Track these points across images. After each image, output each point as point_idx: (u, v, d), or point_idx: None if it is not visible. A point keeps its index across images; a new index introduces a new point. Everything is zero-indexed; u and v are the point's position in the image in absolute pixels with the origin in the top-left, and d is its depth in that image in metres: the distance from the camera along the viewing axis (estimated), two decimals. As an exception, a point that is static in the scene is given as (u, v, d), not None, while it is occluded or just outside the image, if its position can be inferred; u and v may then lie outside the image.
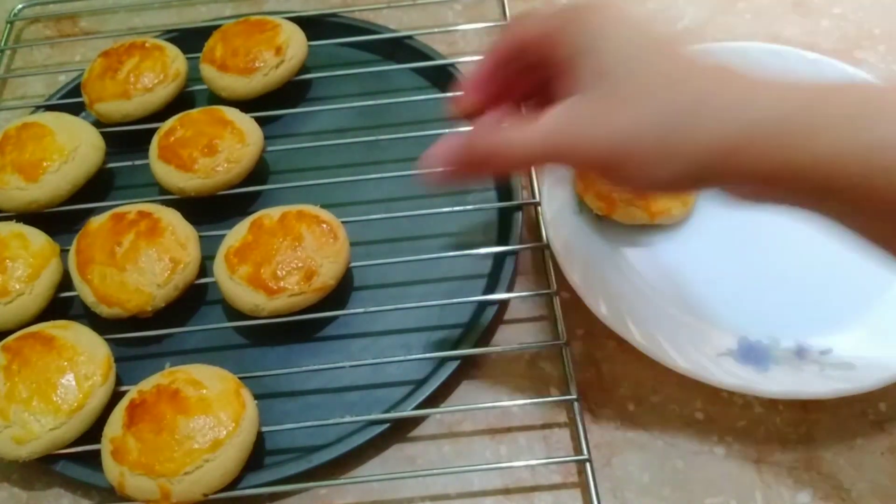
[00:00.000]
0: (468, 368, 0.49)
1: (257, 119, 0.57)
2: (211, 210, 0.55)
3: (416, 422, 0.47)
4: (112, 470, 0.42)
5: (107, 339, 0.48)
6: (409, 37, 0.64)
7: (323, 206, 0.55)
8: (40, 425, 0.43)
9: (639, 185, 0.34)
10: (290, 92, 0.61)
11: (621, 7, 0.34)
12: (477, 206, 0.54)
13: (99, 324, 0.49)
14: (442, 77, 0.62)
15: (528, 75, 0.38)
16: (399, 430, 0.47)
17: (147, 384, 0.44)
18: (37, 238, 0.52)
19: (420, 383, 0.47)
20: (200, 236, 0.52)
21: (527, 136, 0.34)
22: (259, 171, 0.57)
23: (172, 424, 0.42)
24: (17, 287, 0.49)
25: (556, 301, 0.49)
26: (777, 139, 0.30)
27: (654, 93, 0.32)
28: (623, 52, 0.33)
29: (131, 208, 0.52)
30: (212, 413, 0.42)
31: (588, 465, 0.43)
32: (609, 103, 0.32)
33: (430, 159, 0.38)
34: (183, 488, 0.41)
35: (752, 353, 0.47)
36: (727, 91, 0.31)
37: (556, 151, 0.34)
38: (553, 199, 0.53)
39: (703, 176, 0.32)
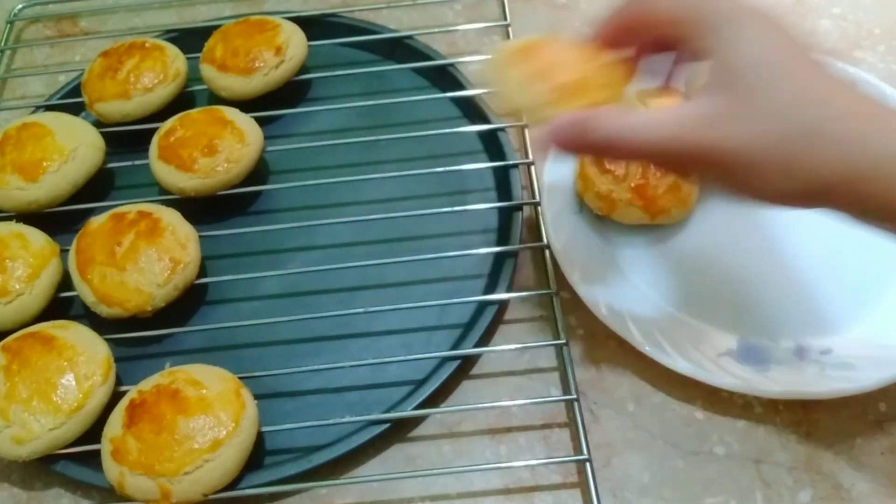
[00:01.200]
0: (468, 368, 0.49)
1: (257, 119, 0.57)
2: (211, 210, 0.55)
3: (416, 422, 0.47)
4: (112, 470, 0.42)
5: (107, 339, 0.48)
6: (409, 37, 0.64)
7: (323, 207, 0.55)
8: (40, 425, 0.43)
9: (755, 196, 0.34)
10: (290, 92, 0.61)
11: (754, 2, 0.34)
12: (477, 206, 0.54)
13: (99, 324, 0.49)
14: (442, 77, 0.62)
15: (646, 40, 0.39)
16: (399, 430, 0.47)
17: (147, 384, 0.44)
18: (37, 238, 0.52)
19: (420, 383, 0.47)
20: (200, 236, 0.52)
21: (652, 130, 0.34)
22: (259, 171, 0.57)
23: (172, 424, 0.42)
24: (17, 287, 0.49)
25: (556, 301, 0.49)
26: (890, 176, 0.31)
27: (786, 110, 0.32)
28: (759, 56, 0.33)
29: (131, 208, 0.52)
30: (212, 413, 0.42)
31: (588, 464, 0.43)
32: (740, 110, 0.33)
33: (548, 135, 0.37)
34: (183, 488, 0.41)
35: (751, 353, 0.47)
36: (848, 122, 0.32)
37: (679, 150, 0.34)
38: (553, 199, 0.53)
39: (822, 198, 0.33)
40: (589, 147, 0.37)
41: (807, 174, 0.32)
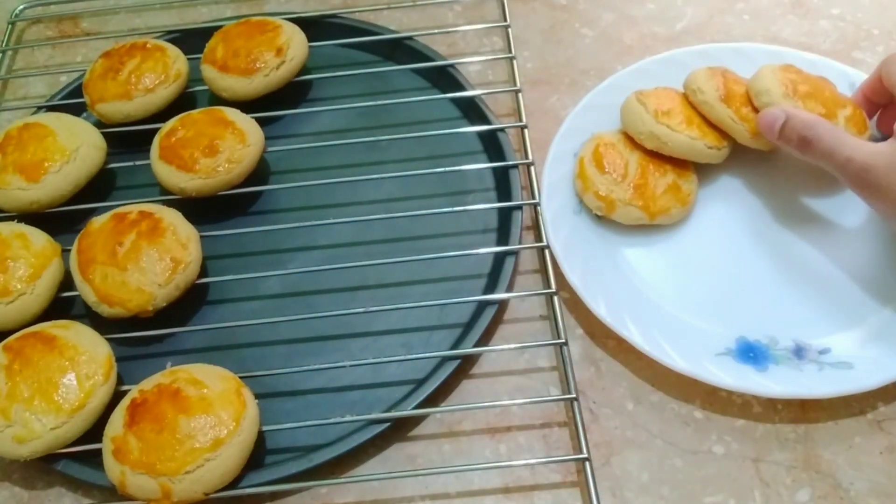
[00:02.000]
0: (468, 368, 0.49)
1: (258, 119, 0.57)
2: (212, 210, 0.55)
3: (416, 421, 0.47)
4: (113, 469, 0.42)
5: (108, 339, 0.48)
6: (410, 38, 0.64)
7: (323, 207, 0.56)
8: (42, 425, 0.44)
9: None
10: (291, 92, 0.61)
11: None
12: (477, 207, 0.54)
13: (100, 323, 0.49)
14: (442, 78, 0.62)
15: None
16: (399, 430, 0.47)
17: (148, 383, 0.44)
18: (38, 238, 0.52)
19: (420, 383, 0.47)
20: (201, 236, 0.52)
21: (846, 149, 0.45)
22: (260, 172, 0.57)
23: (173, 424, 0.42)
24: (19, 287, 0.49)
25: (556, 301, 0.50)
26: None
27: None
28: None
29: (132, 208, 0.52)
30: (213, 412, 0.42)
31: (587, 464, 0.43)
32: None
33: (765, 118, 0.49)
34: (184, 487, 0.41)
35: (750, 353, 0.47)
36: None
37: (852, 175, 0.45)
38: (553, 199, 0.53)
39: None
40: (799, 138, 0.47)
41: None
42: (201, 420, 0.42)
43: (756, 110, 0.52)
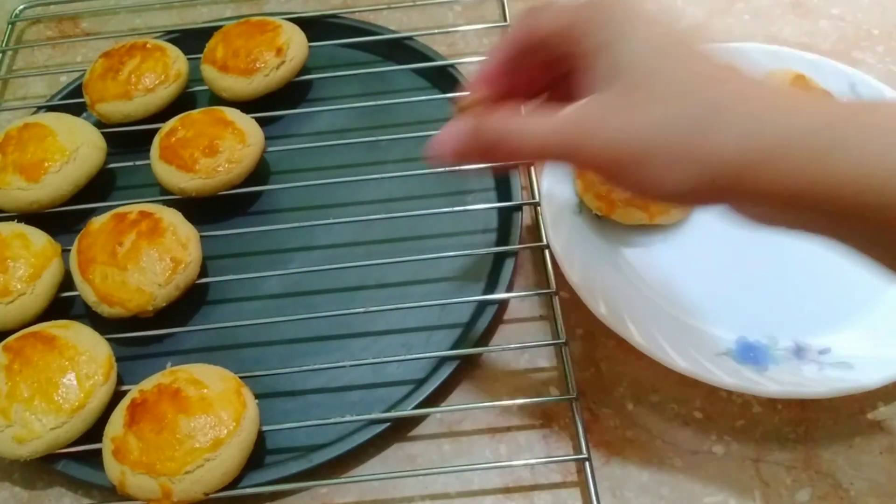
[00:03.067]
0: (468, 368, 0.49)
1: (258, 120, 0.57)
2: (212, 210, 0.55)
3: (416, 421, 0.47)
4: (113, 469, 0.42)
5: (108, 339, 0.48)
6: (410, 38, 0.64)
7: (323, 207, 0.56)
8: (42, 424, 0.44)
9: (646, 191, 0.32)
10: (291, 93, 0.61)
11: (642, 2, 0.32)
12: (477, 206, 0.54)
13: (100, 323, 0.49)
14: (442, 78, 0.62)
15: (544, 70, 0.37)
16: (399, 430, 0.47)
17: (148, 383, 0.44)
18: (38, 238, 0.52)
19: (420, 383, 0.47)
20: (201, 236, 0.52)
21: (540, 127, 0.33)
22: (260, 172, 0.57)
23: (173, 423, 0.42)
24: (19, 287, 0.49)
25: (556, 301, 0.50)
26: (799, 155, 0.28)
27: (671, 98, 0.30)
28: (642, 50, 0.31)
29: (132, 208, 0.52)
30: (213, 412, 0.42)
31: (587, 464, 0.43)
32: (624, 103, 0.31)
33: (438, 144, 0.36)
34: (184, 487, 0.41)
35: (750, 353, 0.47)
36: (749, 101, 0.29)
37: (567, 147, 0.32)
38: (553, 199, 0.53)
39: (714, 190, 0.30)
40: (482, 150, 0.35)
41: (709, 158, 0.29)
42: (201, 420, 0.42)
43: None
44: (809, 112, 0.29)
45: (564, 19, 0.34)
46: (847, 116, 0.28)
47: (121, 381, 0.48)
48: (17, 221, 0.54)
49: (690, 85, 0.30)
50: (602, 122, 0.31)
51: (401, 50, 0.64)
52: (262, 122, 0.58)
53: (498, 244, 0.53)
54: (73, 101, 0.62)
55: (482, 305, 0.50)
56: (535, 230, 0.54)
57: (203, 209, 0.55)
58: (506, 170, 0.52)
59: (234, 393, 0.44)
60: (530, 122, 0.33)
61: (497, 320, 0.51)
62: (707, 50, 0.31)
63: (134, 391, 0.45)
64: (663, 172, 0.30)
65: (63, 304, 0.52)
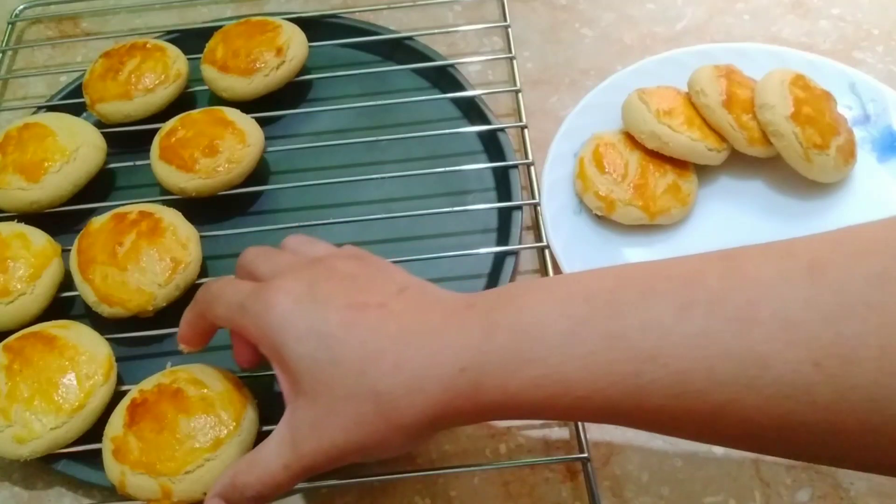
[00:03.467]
0: (468, 368, 0.49)
1: (258, 119, 0.57)
2: (212, 210, 0.55)
3: (416, 421, 0.47)
4: (113, 469, 0.42)
5: (108, 339, 0.48)
6: (410, 38, 0.64)
7: (323, 207, 0.56)
8: (42, 424, 0.44)
9: (393, 454, 0.35)
10: (291, 92, 0.61)
11: (288, 295, 0.35)
12: (477, 207, 0.54)
13: (100, 323, 0.49)
14: (442, 78, 0.62)
15: None
16: (399, 430, 0.47)
17: (148, 383, 0.44)
18: (38, 238, 0.52)
19: (420, 383, 0.47)
20: (201, 236, 0.52)
21: (270, 473, 0.35)
22: (260, 172, 0.57)
23: (174, 423, 0.42)
24: (19, 287, 0.49)
25: (556, 301, 0.49)
26: (472, 390, 0.32)
27: (354, 392, 0.33)
28: (300, 368, 0.34)
29: (132, 208, 0.52)
30: (213, 412, 0.42)
31: (587, 463, 0.43)
32: (316, 416, 0.34)
33: None
34: (184, 487, 0.41)
35: (750, 353, 0.47)
36: (404, 371, 0.32)
37: (310, 465, 0.35)
38: (553, 199, 0.53)
39: (425, 433, 0.34)
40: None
41: (405, 424, 0.33)
42: (201, 420, 0.42)
43: (756, 118, 0.52)
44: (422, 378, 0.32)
45: (230, 317, 0.38)
46: (486, 348, 0.32)
47: (121, 381, 0.48)
48: (17, 221, 0.54)
49: (346, 393, 0.33)
50: (315, 439, 0.34)
51: (401, 50, 0.64)
52: (262, 122, 0.58)
53: (498, 244, 0.53)
54: (73, 101, 0.62)
55: (482, 305, 0.50)
56: (535, 230, 0.54)
57: (203, 209, 0.55)
58: None
59: (234, 393, 0.44)
60: (255, 474, 0.36)
61: (497, 320, 0.51)
62: (335, 339, 0.33)
63: (134, 391, 0.45)
64: (393, 445, 0.34)
65: (63, 304, 0.52)
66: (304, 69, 0.62)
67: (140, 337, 0.50)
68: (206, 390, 0.43)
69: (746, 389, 0.27)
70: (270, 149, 0.58)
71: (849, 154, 0.53)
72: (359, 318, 0.33)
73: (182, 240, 0.50)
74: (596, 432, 0.46)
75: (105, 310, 0.49)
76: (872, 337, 0.25)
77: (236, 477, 0.36)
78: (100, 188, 0.58)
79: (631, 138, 0.54)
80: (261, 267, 0.40)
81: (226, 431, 0.42)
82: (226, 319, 0.39)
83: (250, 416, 0.43)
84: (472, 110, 0.60)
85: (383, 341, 0.33)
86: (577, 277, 0.33)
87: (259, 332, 0.36)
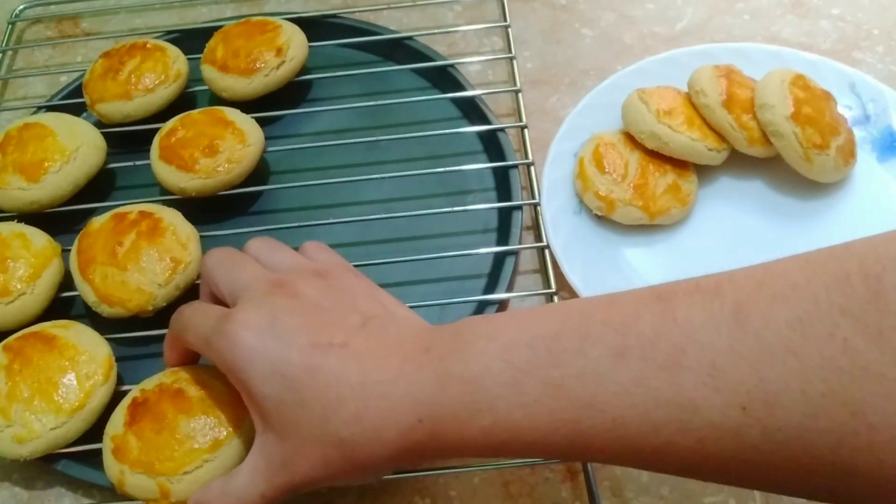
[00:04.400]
0: (468, 368, 0.49)
1: (258, 119, 0.57)
2: (212, 210, 0.56)
3: (416, 421, 0.47)
4: (112, 468, 0.42)
5: (108, 339, 0.48)
6: (410, 38, 0.64)
7: (323, 207, 0.56)
8: (41, 424, 0.44)
9: (370, 480, 0.38)
10: (291, 92, 0.61)
11: (249, 332, 0.36)
12: (477, 206, 0.54)
13: (100, 323, 0.49)
14: (442, 78, 0.62)
15: None
16: (399, 430, 0.47)
17: (150, 383, 0.44)
18: (38, 238, 0.52)
19: (420, 383, 0.47)
20: (201, 236, 0.52)
21: (244, 491, 0.36)
22: (260, 172, 0.57)
23: (174, 423, 0.42)
24: (19, 287, 0.49)
25: (556, 301, 0.49)
26: (432, 437, 0.33)
27: (319, 435, 0.34)
28: (269, 403, 0.35)
29: (132, 208, 0.52)
30: (213, 414, 0.42)
31: (587, 464, 0.43)
32: (290, 446, 0.35)
33: None
34: (182, 487, 0.41)
35: (750, 353, 0.47)
36: (365, 413, 0.33)
37: (284, 497, 0.36)
38: (553, 199, 0.53)
39: (390, 469, 0.36)
40: None
41: (375, 464, 0.34)
42: (201, 421, 0.42)
43: (756, 118, 0.52)
44: (397, 413, 0.33)
45: (199, 348, 0.39)
46: (440, 400, 0.32)
47: (121, 380, 0.48)
48: (17, 221, 0.54)
49: (317, 423, 0.34)
50: (286, 472, 0.35)
51: (401, 50, 0.64)
52: (262, 122, 0.58)
53: (498, 244, 0.53)
54: (73, 101, 0.62)
55: (482, 305, 0.50)
56: (535, 230, 0.54)
57: (203, 209, 0.55)
58: None
59: (235, 395, 0.44)
60: (232, 500, 0.37)
61: (497, 320, 0.51)
62: (300, 382, 0.34)
63: (135, 390, 0.44)
64: (353, 478, 0.36)
65: (63, 304, 0.52)
66: (304, 69, 0.62)
67: (140, 337, 0.50)
68: (207, 391, 0.43)
69: (680, 433, 0.29)
70: (270, 149, 0.58)
71: (849, 154, 0.53)
72: (321, 361, 0.34)
73: (182, 240, 0.50)
74: (596, 432, 0.46)
75: (105, 310, 0.49)
76: (794, 381, 0.26)
77: None
78: (100, 188, 0.58)
79: (631, 138, 0.54)
80: (221, 284, 0.40)
81: (225, 433, 0.42)
82: (196, 348, 0.40)
83: (249, 418, 0.43)
84: (472, 110, 0.60)
85: (344, 389, 0.34)
86: (524, 319, 0.34)
87: (225, 367, 0.37)
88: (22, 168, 0.54)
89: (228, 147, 0.54)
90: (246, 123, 0.56)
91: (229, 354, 0.36)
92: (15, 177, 0.54)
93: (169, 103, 0.60)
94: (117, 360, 0.47)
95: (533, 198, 0.54)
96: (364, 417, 0.33)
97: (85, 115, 0.61)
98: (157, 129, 0.57)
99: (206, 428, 0.42)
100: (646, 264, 0.51)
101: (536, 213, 0.53)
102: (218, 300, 0.42)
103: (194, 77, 0.62)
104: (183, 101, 0.61)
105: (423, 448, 0.33)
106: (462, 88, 0.61)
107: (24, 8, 0.72)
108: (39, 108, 0.63)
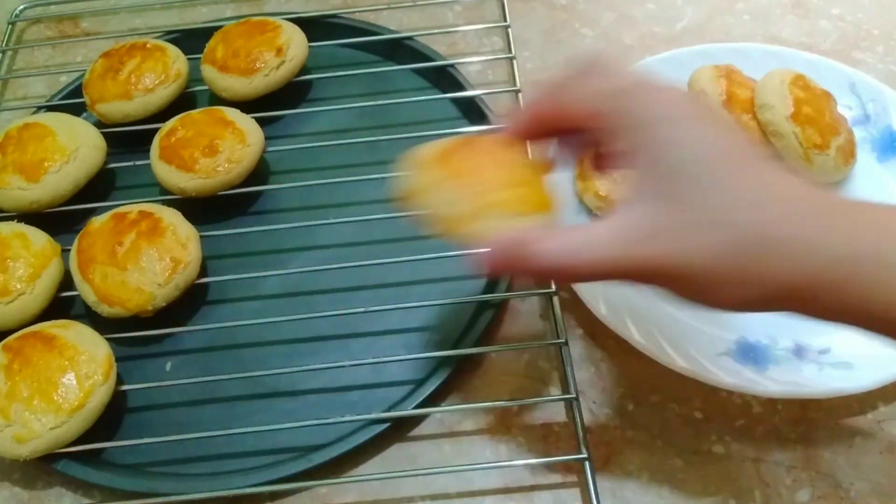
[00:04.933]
0: (468, 368, 0.49)
1: (258, 119, 0.57)
2: (212, 210, 0.55)
3: (416, 421, 0.47)
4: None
5: (108, 339, 0.48)
6: (410, 38, 0.64)
7: (323, 207, 0.55)
8: (41, 424, 0.44)
9: (710, 304, 0.32)
10: (291, 92, 0.61)
11: (682, 92, 0.32)
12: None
13: (100, 323, 0.49)
14: (442, 78, 0.62)
15: (563, 131, 0.37)
16: (399, 430, 0.47)
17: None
18: (38, 238, 0.52)
19: (420, 383, 0.47)
20: (201, 236, 0.52)
21: (595, 251, 0.32)
22: (260, 172, 0.57)
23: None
24: (19, 287, 0.49)
25: (556, 301, 0.50)
26: (852, 281, 0.29)
27: (733, 216, 0.30)
28: (695, 157, 0.31)
29: (132, 208, 0.52)
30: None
31: (587, 464, 0.43)
32: (684, 220, 0.31)
33: (487, 262, 0.36)
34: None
35: (750, 353, 0.47)
36: (809, 217, 0.30)
37: (628, 269, 0.32)
38: (553, 199, 0.53)
39: (776, 304, 0.32)
40: (531, 273, 0.35)
41: (764, 282, 0.30)
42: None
43: (756, 118, 0.52)
44: (855, 237, 0.30)
45: (595, 104, 0.34)
46: (886, 244, 0.29)
47: (121, 380, 0.48)
48: (17, 221, 0.54)
49: (744, 206, 0.30)
50: (665, 241, 0.31)
51: (401, 50, 0.64)
52: (262, 122, 0.58)
53: (498, 244, 0.53)
54: (73, 101, 0.62)
55: (482, 305, 0.50)
56: (535, 230, 0.54)
57: (203, 209, 0.55)
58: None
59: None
60: (579, 245, 0.33)
61: (497, 320, 0.51)
62: (761, 161, 0.31)
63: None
64: (728, 291, 0.31)
65: (63, 304, 0.52)
66: (304, 69, 0.62)
67: (140, 337, 0.50)
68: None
69: None
70: (270, 149, 0.58)
71: (849, 154, 0.53)
72: (754, 161, 0.31)
73: (182, 239, 0.50)
74: (596, 433, 0.46)
75: (105, 309, 0.49)
76: None
77: (532, 241, 0.33)
78: (100, 188, 0.58)
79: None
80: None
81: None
82: (597, 102, 0.34)
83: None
84: (473, 110, 0.60)
85: (770, 193, 0.30)
86: None
87: (639, 119, 0.32)
88: (22, 168, 0.54)
89: (228, 147, 0.54)
90: (246, 123, 0.56)
91: (657, 109, 0.32)
92: (15, 177, 0.54)
93: (169, 103, 0.60)
94: (117, 359, 0.47)
95: (533, 198, 0.54)
96: (782, 235, 0.30)
97: (85, 115, 0.61)
98: (156, 129, 0.57)
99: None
100: (646, 264, 0.51)
101: (536, 213, 0.53)
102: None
103: (194, 77, 0.62)
104: (183, 101, 0.61)
105: (824, 294, 0.30)
106: (462, 88, 0.61)
107: (24, 8, 0.72)
108: (39, 108, 0.63)
